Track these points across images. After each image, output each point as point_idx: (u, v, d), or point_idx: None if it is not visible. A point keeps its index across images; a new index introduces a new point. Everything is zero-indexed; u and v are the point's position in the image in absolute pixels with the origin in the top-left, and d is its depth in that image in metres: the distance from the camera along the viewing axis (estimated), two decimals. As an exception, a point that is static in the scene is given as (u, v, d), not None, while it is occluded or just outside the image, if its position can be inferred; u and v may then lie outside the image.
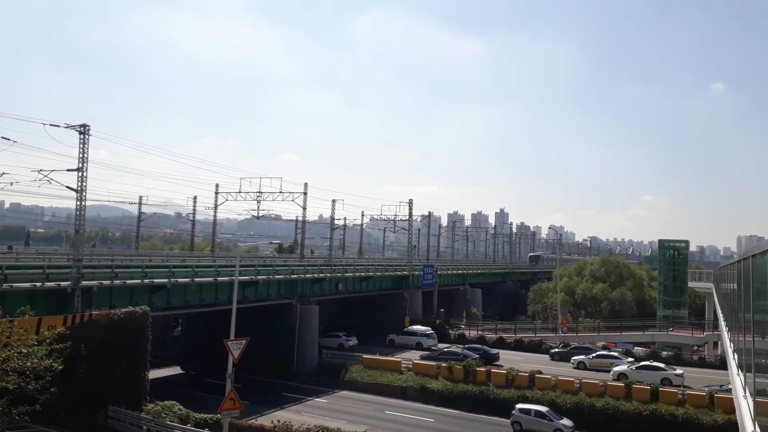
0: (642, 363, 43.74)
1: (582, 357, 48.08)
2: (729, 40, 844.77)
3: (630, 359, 46.08)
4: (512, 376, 40.58)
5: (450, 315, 71.48)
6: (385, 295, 64.85)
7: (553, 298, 73.49)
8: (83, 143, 33.78)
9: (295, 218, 75.10)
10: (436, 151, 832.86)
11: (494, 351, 50.53)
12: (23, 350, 21.65)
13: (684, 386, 39.35)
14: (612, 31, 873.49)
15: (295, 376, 46.48)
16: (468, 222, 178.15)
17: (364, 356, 47.34)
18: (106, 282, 33.84)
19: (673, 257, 72.90)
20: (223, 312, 39.20)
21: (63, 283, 31.36)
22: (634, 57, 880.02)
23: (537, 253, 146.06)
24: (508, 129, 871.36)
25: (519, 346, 57.31)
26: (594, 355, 48.18)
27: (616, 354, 48.11)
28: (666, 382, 39.70)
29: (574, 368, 46.79)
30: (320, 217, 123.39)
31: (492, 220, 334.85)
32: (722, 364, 42.15)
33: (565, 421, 34.67)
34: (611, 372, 42.74)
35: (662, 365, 42.96)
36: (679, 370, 42.27)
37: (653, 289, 79.02)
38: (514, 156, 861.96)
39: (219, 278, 41.61)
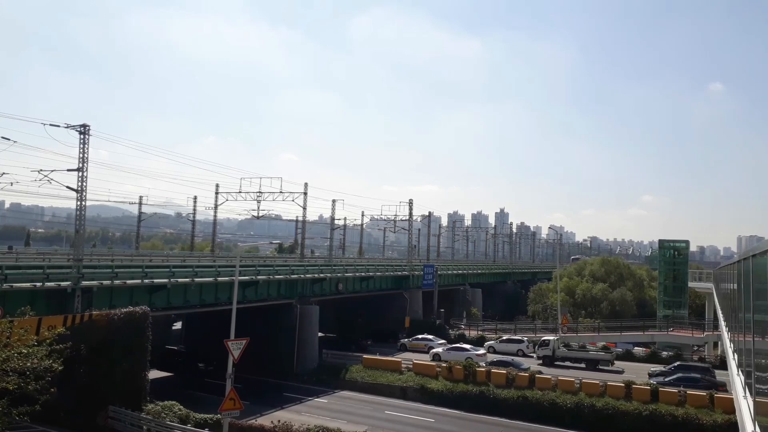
0: (452, 345, 51.50)
1: (405, 340, 55.97)
2: (728, 40, 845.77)
3: (441, 341, 54.69)
4: (512, 376, 40.57)
5: (450, 315, 71.48)
6: (386, 295, 64.83)
7: (553, 299, 73.48)
8: (83, 143, 33.75)
9: (295, 218, 75.26)
10: (435, 151, 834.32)
11: (366, 341, 55.86)
12: (23, 350, 21.62)
13: (481, 363, 45.23)
14: (612, 31, 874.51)
15: (296, 376, 46.47)
16: (468, 222, 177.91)
17: (364, 356, 47.35)
18: (106, 282, 33.81)
19: (673, 257, 72.88)
20: (223, 312, 39.20)
21: (63, 283, 31.34)
22: (633, 57, 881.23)
23: (578, 256, 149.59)
24: (508, 129, 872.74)
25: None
26: (413, 338, 56.01)
27: (431, 338, 55.75)
28: (469, 360, 45.39)
29: (398, 350, 54.13)
30: (320, 217, 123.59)
31: (492, 220, 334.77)
32: (722, 364, 42.17)
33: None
34: (429, 353, 50.13)
35: (468, 347, 50.31)
36: (481, 351, 49.63)
37: (653, 289, 78.99)
38: (514, 156, 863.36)
39: (219, 278, 41.58)
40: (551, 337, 51.86)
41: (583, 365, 48.29)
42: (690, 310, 72.18)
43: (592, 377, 40.75)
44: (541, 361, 49.40)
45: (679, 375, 41.65)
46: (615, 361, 49.07)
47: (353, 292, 59.45)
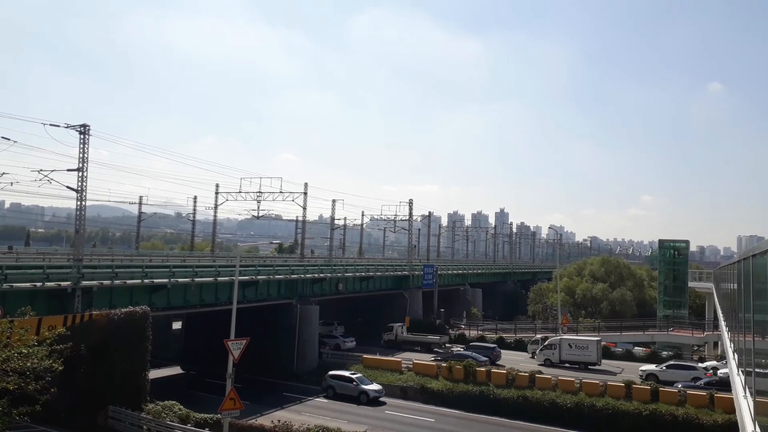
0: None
1: None
2: (728, 40, 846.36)
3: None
4: (512, 376, 40.57)
5: (450, 315, 71.48)
6: (386, 295, 64.82)
7: (553, 298, 73.48)
8: (83, 143, 33.76)
9: (295, 218, 75.22)
10: (436, 151, 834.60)
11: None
12: (23, 350, 21.57)
13: (351, 350, 52.95)
14: (612, 31, 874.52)
15: (296, 376, 46.46)
16: (468, 222, 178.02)
17: (365, 356, 47.35)
18: (107, 282, 33.82)
19: (673, 257, 72.89)
20: (224, 312, 39.17)
21: (63, 283, 31.34)
22: (633, 57, 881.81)
23: None
24: (508, 129, 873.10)
25: (519, 346, 57.35)
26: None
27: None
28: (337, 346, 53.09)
29: None
30: (320, 217, 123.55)
31: (492, 220, 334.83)
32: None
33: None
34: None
35: (334, 334, 57.42)
36: (350, 342, 55.79)
37: (653, 289, 78.99)
38: (514, 156, 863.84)
39: (219, 278, 41.59)
40: (396, 324, 59.41)
41: (419, 348, 55.67)
42: (690, 310, 72.19)
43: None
44: (386, 345, 57.29)
45: (464, 353, 49.00)
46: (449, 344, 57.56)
47: (353, 292, 59.46)
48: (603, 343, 56.86)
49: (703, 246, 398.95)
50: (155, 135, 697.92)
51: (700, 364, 45.34)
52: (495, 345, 53.58)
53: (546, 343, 51.21)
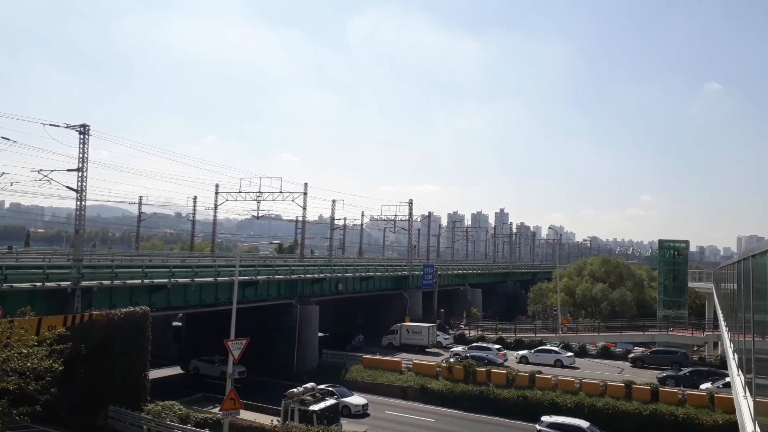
0: None
1: None
2: (726, 40, 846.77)
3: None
4: (512, 376, 40.57)
5: (450, 315, 71.46)
6: (385, 295, 64.81)
7: (553, 299, 73.50)
8: (83, 143, 33.73)
9: (295, 218, 75.32)
10: (435, 151, 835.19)
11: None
12: (23, 351, 21.57)
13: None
14: (611, 31, 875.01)
15: (295, 376, 46.35)
16: (468, 222, 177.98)
17: (364, 356, 47.35)
18: (106, 282, 33.81)
19: (673, 257, 72.80)
20: (224, 312, 39.20)
21: (63, 283, 31.33)
22: (632, 57, 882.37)
23: None
24: (507, 129, 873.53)
25: (519, 346, 57.29)
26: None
27: None
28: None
29: None
30: (320, 217, 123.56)
31: (492, 220, 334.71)
32: (722, 364, 42.20)
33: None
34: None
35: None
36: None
37: (653, 289, 78.93)
38: (514, 156, 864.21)
39: (219, 278, 41.57)
40: None
41: None
42: (690, 310, 72.06)
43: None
44: None
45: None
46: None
47: (353, 292, 59.44)
48: (602, 343, 57.15)
49: (703, 246, 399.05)
50: (155, 135, 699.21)
51: (495, 346, 52.53)
52: (360, 335, 57.88)
53: (390, 328, 57.62)
